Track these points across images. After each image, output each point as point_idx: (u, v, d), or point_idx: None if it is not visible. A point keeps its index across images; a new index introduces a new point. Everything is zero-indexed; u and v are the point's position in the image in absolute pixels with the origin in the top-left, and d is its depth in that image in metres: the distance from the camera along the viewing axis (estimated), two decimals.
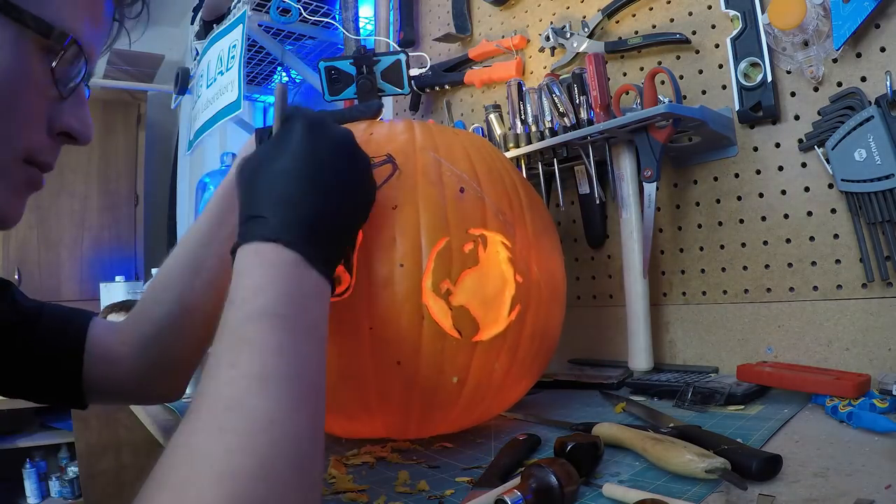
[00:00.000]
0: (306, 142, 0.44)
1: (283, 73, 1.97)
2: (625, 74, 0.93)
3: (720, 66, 0.81)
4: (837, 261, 0.71)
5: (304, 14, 1.44)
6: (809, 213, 0.74)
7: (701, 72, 0.84)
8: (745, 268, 0.80)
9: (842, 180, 0.69)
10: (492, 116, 0.97)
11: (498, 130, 0.96)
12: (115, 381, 0.58)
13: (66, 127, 0.43)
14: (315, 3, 1.47)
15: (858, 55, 0.69)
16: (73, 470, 2.84)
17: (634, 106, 0.81)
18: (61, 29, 0.40)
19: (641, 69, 0.91)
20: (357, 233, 0.49)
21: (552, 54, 1.02)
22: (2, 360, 0.54)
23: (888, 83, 0.65)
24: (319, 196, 0.43)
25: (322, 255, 0.41)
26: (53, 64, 0.40)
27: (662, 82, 0.82)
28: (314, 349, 0.38)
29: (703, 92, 0.83)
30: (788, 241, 0.75)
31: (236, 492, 0.28)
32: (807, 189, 0.74)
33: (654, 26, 0.89)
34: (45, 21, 0.39)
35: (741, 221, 0.80)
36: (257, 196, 0.42)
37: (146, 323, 0.59)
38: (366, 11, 1.45)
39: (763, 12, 0.74)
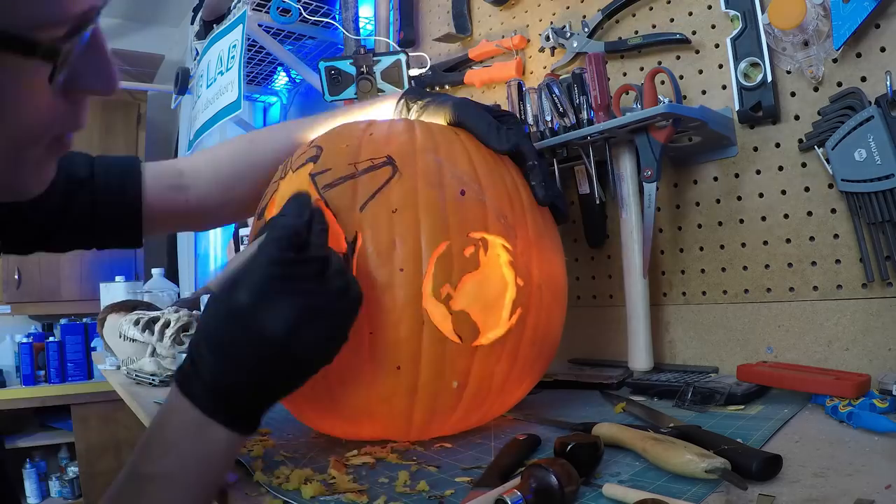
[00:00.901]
0: (255, 296, 0.44)
1: (283, 72, 1.97)
2: (625, 74, 0.93)
3: (720, 66, 0.81)
4: (837, 261, 0.71)
5: (304, 14, 1.45)
6: (809, 213, 0.74)
7: (701, 72, 0.84)
8: (745, 268, 0.80)
9: (842, 180, 0.69)
10: None
11: None
12: (179, 213, 0.71)
13: (85, 88, 0.39)
14: (315, 3, 1.47)
15: (858, 55, 0.69)
16: (73, 470, 2.84)
17: (634, 106, 0.81)
18: (48, 35, 0.34)
19: (641, 69, 0.91)
20: (296, 388, 0.47)
21: (552, 54, 1.02)
22: (66, 220, 0.64)
23: (888, 83, 0.65)
24: (249, 364, 0.43)
25: (238, 419, 0.44)
26: (48, 76, 0.35)
27: (662, 82, 0.82)
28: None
29: (703, 92, 0.83)
30: (788, 241, 0.75)
31: None
32: (807, 189, 0.74)
33: (654, 26, 0.89)
34: (26, 38, 0.33)
35: (741, 221, 0.80)
36: (198, 337, 0.45)
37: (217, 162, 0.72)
38: (366, 11, 1.45)
39: (763, 12, 0.74)
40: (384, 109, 0.74)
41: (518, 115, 0.90)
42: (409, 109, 0.71)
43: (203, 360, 0.44)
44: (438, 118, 0.68)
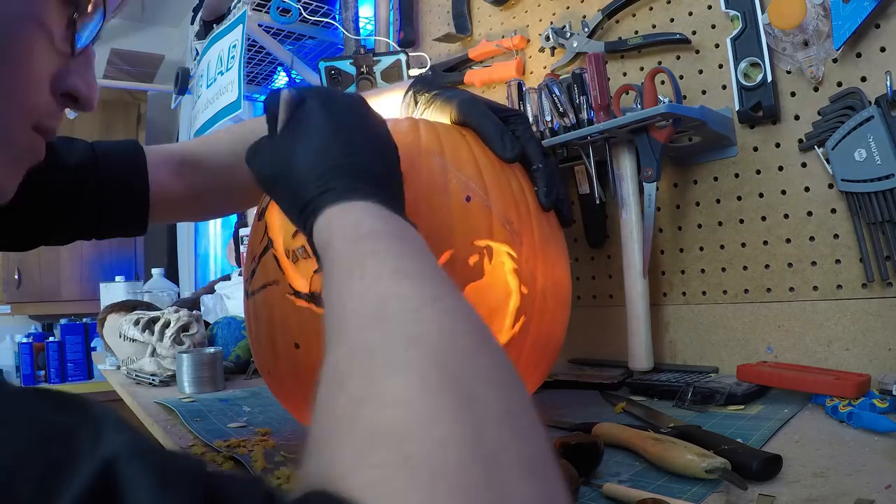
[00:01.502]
0: (329, 113, 0.44)
1: (283, 72, 1.97)
2: (625, 74, 0.93)
3: (720, 66, 0.81)
4: (837, 261, 0.71)
5: (304, 14, 1.45)
6: (809, 213, 0.74)
7: (701, 72, 0.84)
8: (745, 268, 0.80)
9: (842, 180, 0.69)
10: None
11: None
12: (173, 204, 0.68)
13: (72, 88, 0.39)
14: (315, 3, 1.47)
15: (858, 55, 0.69)
16: None
17: (634, 106, 0.81)
18: None
19: (641, 69, 0.91)
20: (400, 172, 0.47)
21: (552, 54, 1.02)
22: (71, 211, 0.62)
23: (888, 83, 0.65)
24: (366, 155, 0.42)
25: (394, 199, 0.41)
26: (75, 14, 0.36)
27: (662, 82, 0.82)
28: (435, 263, 0.34)
29: (703, 92, 0.83)
30: (788, 241, 0.76)
31: (430, 349, 0.25)
32: (807, 189, 0.74)
33: (654, 26, 0.89)
34: None
35: (741, 221, 0.80)
36: (306, 177, 0.41)
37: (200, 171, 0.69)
38: (366, 11, 1.45)
39: (763, 12, 0.74)
40: (393, 100, 0.73)
41: None
42: (416, 103, 0.71)
43: (341, 167, 0.40)
44: (444, 115, 0.67)
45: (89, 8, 0.38)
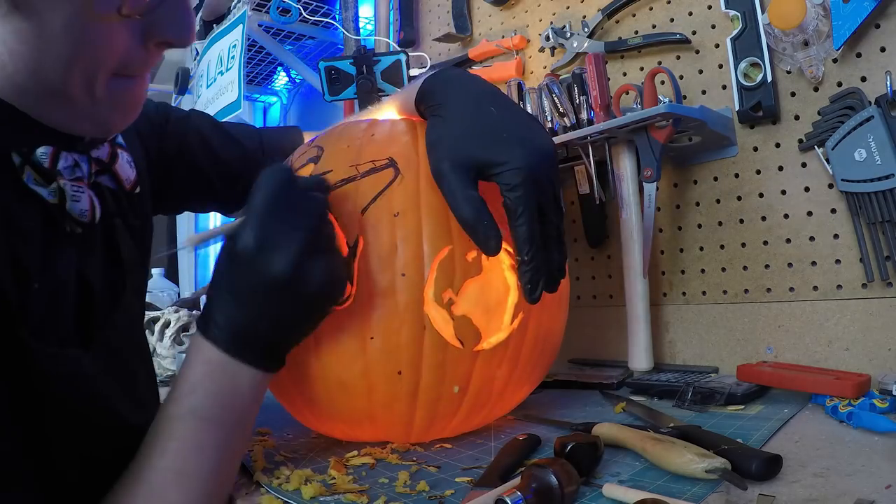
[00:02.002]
0: (258, 253, 0.45)
1: (284, 73, 1.97)
2: (625, 74, 0.93)
3: (720, 66, 0.81)
4: (837, 261, 0.71)
5: (304, 14, 1.44)
6: (809, 213, 0.74)
7: (701, 72, 0.84)
8: (745, 268, 0.80)
9: (842, 180, 0.69)
10: None
11: None
12: None
13: (162, 38, 0.41)
14: (315, 3, 1.47)
15: (858, 55, 0.69)
16: None
17: (634, 106, 0.81)
18: None
19: (641, 69, 0.91)
20: (314, 326, 0.50)
21: (552, 54, 1.02)
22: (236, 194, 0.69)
23: (888, 83, 0.65)
24: (259, 305, 0.45)
25: (258, 357, 0.46)
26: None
27: (662, 82, 0.82)
28: (234, 443, 0.46)
29: (703, 92, 0.83)
30: (788, 241, 0.75)
31: None
32: (807, 189, 0.74)
33: (654, 26, 0.89)
34: None
35: (741, 221, 0.80)
36: (213, 283, 0.47)
37: None
38: (366, 11, 1.45)
39: (763, 12, 0.74)
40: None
41: None
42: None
43: (219, 305, 0.46)
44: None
45: None
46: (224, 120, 1.49)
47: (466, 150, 0.50)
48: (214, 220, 2.44)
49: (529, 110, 0.89)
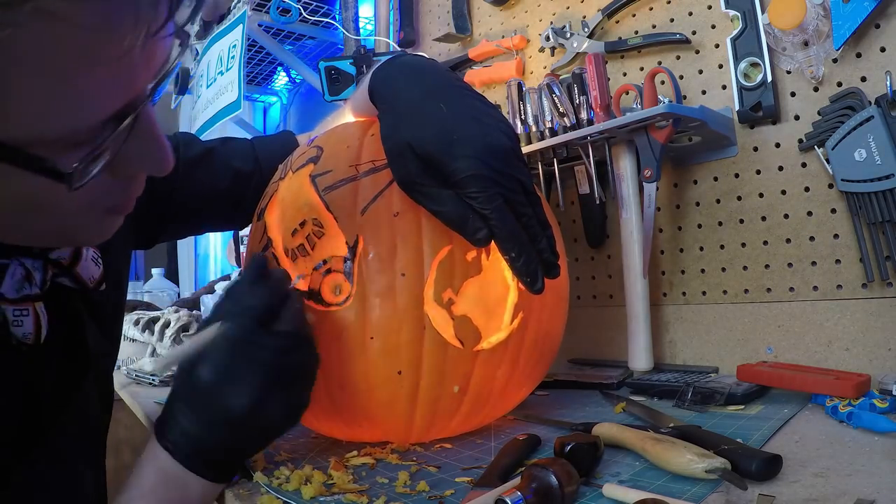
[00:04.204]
0: (230, 363, 0.46)
1: (284, 73, 1.97)
2: (625, 74, 0.93)
3: (720, 66, 0.81)
4: (837, 261, 0.71)
5: (304, 14, 1.45)
6: (809, 213, 0.74)
7: (701, 72, 0.84)
8: (745, 268, 0.80)
9: (842, 180, 0.69)
10: None
11: None
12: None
13: (137, 172, 0.38)
14: (315, 3, 1.47)
15: (858, 55, 0.69)
16: None
17: (634, 106, 0.81)
18: (55, 152, 0.31)
19: (641, 69, 0.91)
20: (266, 446, 0.52)
21: (552, 54, 1.02)
22: (236, 212, 0.71)
23: (888, 83, 0.65)
24: (217, 430, 0.46)
25: (211, 470, 0.46)
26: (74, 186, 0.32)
27: (662, 82, 0.82)
28: None
29: (703, 92, 0.83)
30: (788, 241, 0.75)
31: None
32: (807, 189, 0.74)
33: (654, 26, 0.89)
34: (41, 159, 0.30)
35: (741, 221, 0.80)
36: (173, 397, 0.47)
37: None
38: (366, 11, 1.45)
39: (763, 12, 0.74)
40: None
41: (518, 114, 0.90)
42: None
43: (177, 417, 0.46)
44: None
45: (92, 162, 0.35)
46: (224, 120, 1.49)
47: (424, 152, 0.49)
48: (215, 237, 2.45)
49: (529, 110, 0.89)
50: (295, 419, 0.50)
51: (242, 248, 1.70)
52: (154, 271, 1.96)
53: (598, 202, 0.86)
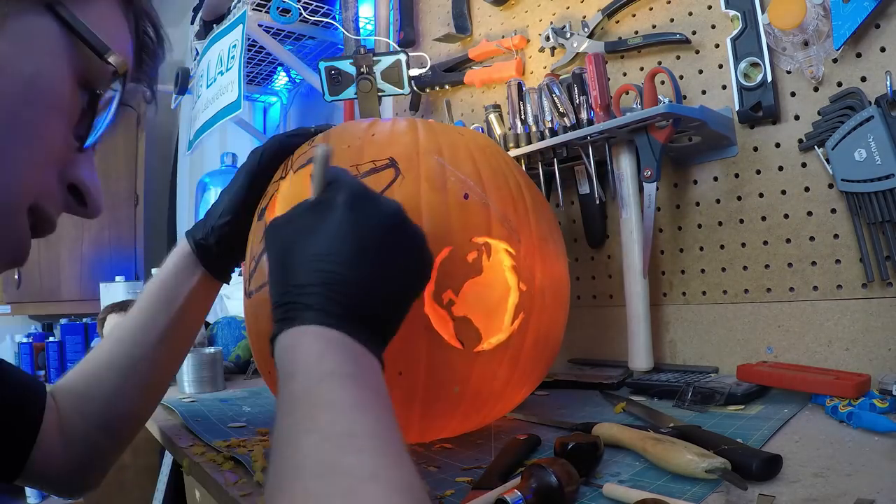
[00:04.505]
0: (352, 219, 0.40)
1: (284, 73, 1.97)
2: (625, 74, 0.93)
3: (720, 66, 0.81)
4: (837, 261, 0.71)
5: (304, 14, 1.44)
6: (809, 213, 0.74)
7: (701, 72, 0.84)
8: (745, 268, 0.80)
9: (842, 180, 0.69)
10: (492, 116, 0.97)
11: (498, 130, 0.96)
12: (47, 465, 0.53)
13: (79, 179, 0.38)
14: (315, 3, 1.47)
15: (858, 55, 0.69)
16: None
17: (634, 106, 0.81)
18: (114, 55, 0.36)
19: (641, 69, 0.91)
20: (409, 308, 0.44)
21: (552, 54, 1.02)
22: None
23: (888, 83, 0.65)
24: (366, 281, 0.39)
25: (370, 337, 0.39)
26: (99, 91, 0.36)
27: (662, 82, 0.82)
28: (389, 413, 0.35)
29: (703, 92, 0.83)
30: (788, 241, 0.76)
31: None
32: (807, 189, 0.74)
33: (654, 26, 0.89)
34: (101, 41, 0.35)
35: (741, 221, 0.80)
36: (296, 276, 0.39)
37: (76, 416, 0.55)
38: (366, 11, 1.45)
39: (763, 12, 0.74)
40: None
41: (518, 115, 0.90)
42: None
43: (319, 286, 0.38)
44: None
45: (101, 102, 0.38)
46: (224, 120, 1.49)
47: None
48: None
49: (529, 110, 0.89)
50: (423, 281, 0.45)
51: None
52: (154, 271, 1.96)
53: (598, 202, 0.86)
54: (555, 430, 0.62)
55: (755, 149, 0.78)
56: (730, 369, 0.79)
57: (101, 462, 0.57)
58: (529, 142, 0.88)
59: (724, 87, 0.81)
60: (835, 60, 0.70)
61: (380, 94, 1.19)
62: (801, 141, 0.74)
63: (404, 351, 0.53)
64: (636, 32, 0.91)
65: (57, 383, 0.58)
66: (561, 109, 0.85)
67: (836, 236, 0.71)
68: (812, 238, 0.73)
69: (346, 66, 1.19)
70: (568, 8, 1.01)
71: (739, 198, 0.80)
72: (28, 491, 2.82)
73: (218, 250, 0.61)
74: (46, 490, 0.58)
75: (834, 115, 0.70)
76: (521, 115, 0.90)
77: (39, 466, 0.52)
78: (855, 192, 0.68)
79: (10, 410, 0.51)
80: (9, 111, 0.33)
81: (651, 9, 0.90)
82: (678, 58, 0.86)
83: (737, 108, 0.78)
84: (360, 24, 1.41)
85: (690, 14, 0.85)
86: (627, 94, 0.83)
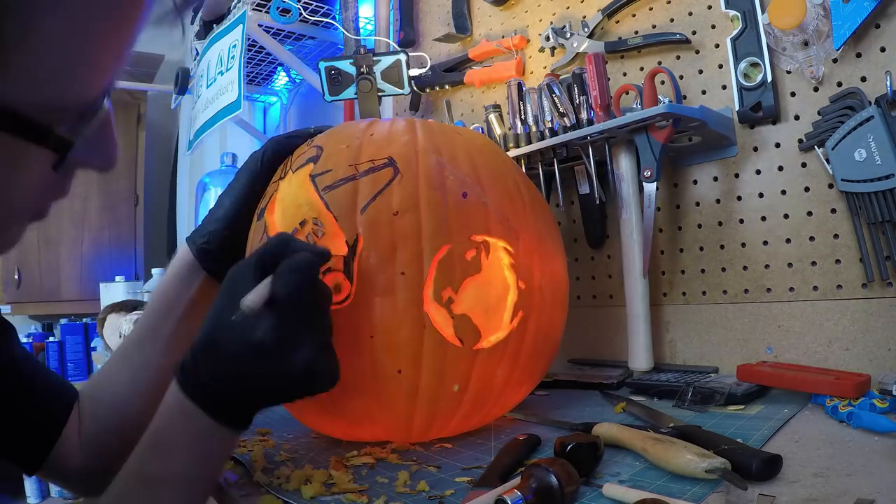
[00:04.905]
0: (271, 330, 0.43)
1: (284, 73, 1.97)
2: (625, 74, 0.93)
3: (720, 66, 0.81)
4: (837, 261, 0.71)
5: (304, 14, 1.45)
6: (809, 213, 0.74)
7: (701, 72, 0.84)
8: (745, 268, 0.80)
9: (842, 180, 0.69)
10: (492, 116, 0.97)
11: (498, 130, 0.96)
12: (65, 463, 0.56)
13: (83, 167, 0.36)
14: (315, 3, 1.47)
15: (858, 55, 0.69)
16: None
17: (634, 106, 0.81)
18: (59, 119, 0.30)
19: (641, 69, 0.91)
20: (291, 399, 0.48)
21: (552, 54, 1.02)
22: None
23: (888, 83, 0.65)
24: (258, 385, 0.44)
25: (241, 420, 0.45)
26: (52, 163, 0.31)
27: (662, 82, 0.82)
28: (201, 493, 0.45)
29: (703, 92, 0.83)
30: (788, 241, 0.75)
31: None
32: (807, 189, 0.74)
33: (654, 26, 0.89)
34: (42, 125, 0.29)
35: (741, 221, 0.80)
36: (213, 354, 0.44)
37: (89, 419, 0.58)
38: (366, 11, 1.45)
39: (763, 12, 0.74)
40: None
41: (518, 115, 0.90)
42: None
43: (215, 371, 0.43)
44: None
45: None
46: (224, 120, 1.50)
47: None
48: None
49: (529, 110, 0.89)
50: (336, 379, 0.48)
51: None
52: (154, 271, 1.95)
53: (598, 202, 0.86)
54: (555, 430, 0.62)
55: (755, 149, 0.78)
56: (730, 369, 0.79)
57: (113, 464, 0.58)
58: (529, 142, 0.88)
59: (724, 87, 0.81)
60: (835, 60, 0.70)
61: (380, 94, 1.19)
62: (801, 141, 0.74)
63: (404, 349, 0.53)
64: (636, 32, 0.91)
65: (79, 388, 0.61)
66: (561, 109, 0.85)
67: (836, 236, 0.71)
68: (812, 238, 0.73)
69: (346, 66, 1.19)
70: (568, 8, 1.01)
71: (739, 198, 0.80)
72: (28, 491, 2.82)
73: (221, 255, 0.61)
74: (62, 486, 0.63)
75: (834, 115, 0.70)
76: (521, 115, 0.90)
77: (58, 464, 0.56)
78: (855, 192, 0.68)
79: (41, 411, 0.55)
80: None
81: (651, 9, 0.90)
82: (678, 58, 0.86)
83: (737, 108, 0.78)
84: (360, 24, 1.41)
85: (690, 14, 0.85)
86: (627, 94, 0.83)
